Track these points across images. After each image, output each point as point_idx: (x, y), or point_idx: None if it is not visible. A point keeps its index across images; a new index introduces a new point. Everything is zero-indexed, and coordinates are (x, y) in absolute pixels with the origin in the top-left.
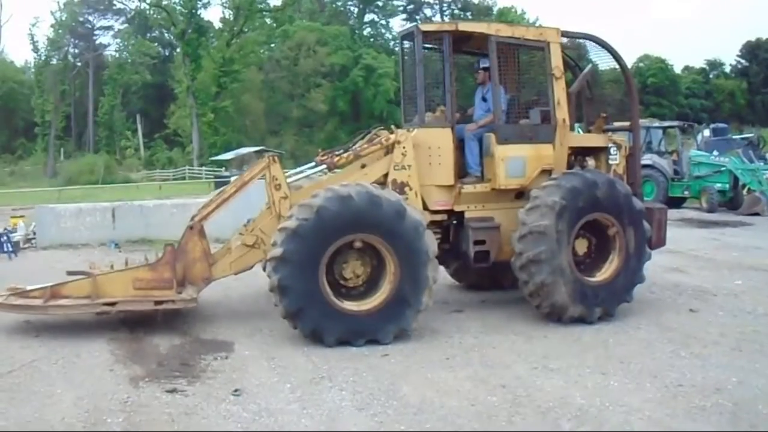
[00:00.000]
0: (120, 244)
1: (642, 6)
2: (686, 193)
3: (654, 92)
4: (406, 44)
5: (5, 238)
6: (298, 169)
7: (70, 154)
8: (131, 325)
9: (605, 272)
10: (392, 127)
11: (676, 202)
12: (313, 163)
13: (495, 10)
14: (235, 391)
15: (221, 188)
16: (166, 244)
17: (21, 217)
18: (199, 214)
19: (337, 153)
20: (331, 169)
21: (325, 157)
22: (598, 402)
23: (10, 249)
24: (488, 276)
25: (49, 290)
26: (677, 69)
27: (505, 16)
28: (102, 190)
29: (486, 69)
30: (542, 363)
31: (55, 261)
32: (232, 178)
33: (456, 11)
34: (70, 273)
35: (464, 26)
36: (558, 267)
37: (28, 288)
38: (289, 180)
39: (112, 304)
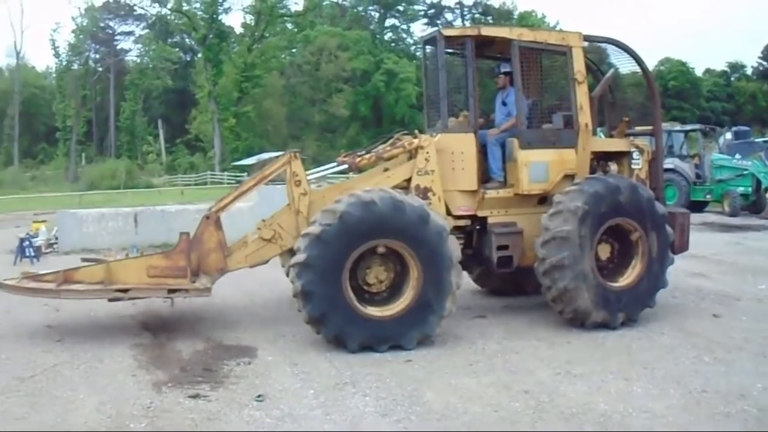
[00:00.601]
0: (142, 249)
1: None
2: (708, 197)
3: (675, 95)
4: (429, 49)
5: (27, 242)
6: (319, 169)
7: (91, 159)
8: (154, 330)
9: (628, 277)
10: (416, 132)
11: (699, 206)
12: (335, 164)
13: (516, 14)
14: (258, 396)
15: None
16: (182, 232)
17: (43, 221)
18: (216, 205)
19: (359, 154)
20: (352, 170)
21: (347, 158)
22: (622, 408)
23: (32, 254)
24: (511, 281)
25: (63, 274)
26: (698, 72)
27: (526, 20)
28: (123, 195)
29: (506, 73)
30: (565, 368)
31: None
32: None
33: (477, 15)
34: (84, 260)
35: (487, 31)
36: (581, 272)
37: (42, 272)
38: (310, 178)
39: (125, 290)
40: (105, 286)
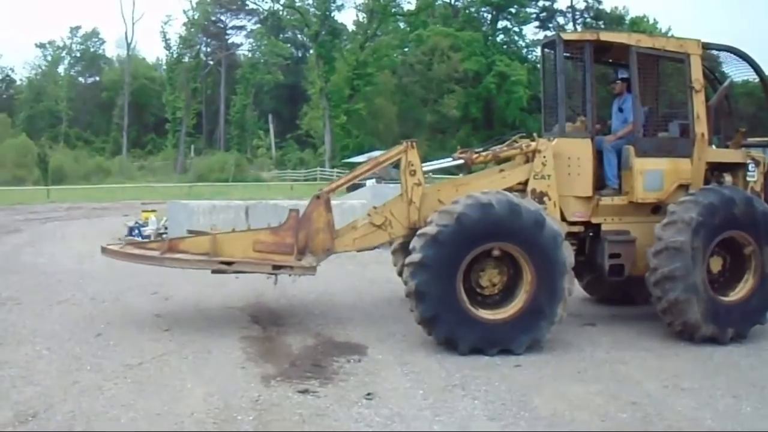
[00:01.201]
0: None
1: None
2: None
3: None
4: (547, 53)
5: (137, 231)
6: (435, 162)
7: (200, 151)
8: (263, 323)
9: (739, 292)
10: (534, 135)
11: None
12: (450, 158)
13: (627, 19)
14: (368, 394)
15: (355, 188)
16: (291, 209)
17: (153, 211)
18: (328, 186)
19: (476, 151)
20: (468, 165)
21: (463, 154)
22: (730, 426)
23: None
24: (620, 290)
25: (168, 243)
26: None
27: (638, 25)
28: (233, 188)
29: (624, 80)
30: (673, 382)
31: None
32: (367, 182)
33: (588, 20)
34: (190, 232)
35: (606, 36)
36: (692, 284)
37: (146, 240)
38: (425, 170)
39: (230, 263)
40: (210, 257)
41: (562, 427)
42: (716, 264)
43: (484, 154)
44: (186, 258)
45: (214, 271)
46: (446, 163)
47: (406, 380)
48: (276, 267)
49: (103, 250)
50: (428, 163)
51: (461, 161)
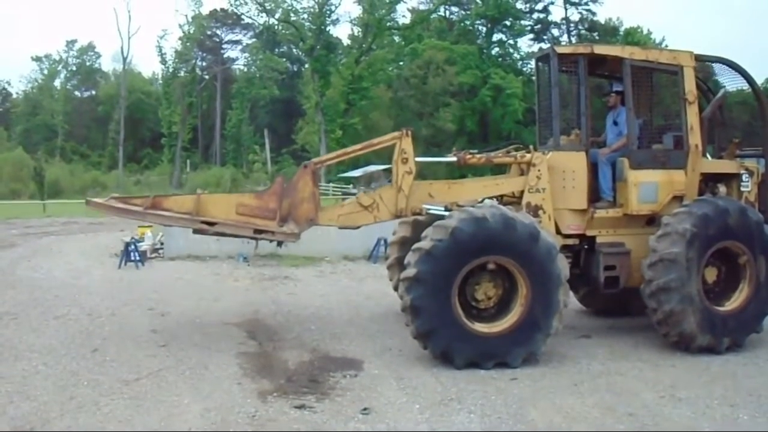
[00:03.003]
0: (249, 258)
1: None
2: None
3: None
4: (541, 66)
5: (132, 247)
6: (429, 157)
7: (196, 166)
8: (260, 338)
9: (735, 301)
10: (530, 147)
11: None
12: (445, 156)
13: (621, 30)
14: (364, 409)
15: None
16: (277, 175)
17: (148, 227)
18: (318, 158)
19: (471, 152)
20: (460, 164)
21: (459, 153)
22: None
23: (137, 258)
24: (616, 302)
25: (152, 200)
26: None
27: (632, 36)
28: None
29: (618, 92)
30: (670, 392)
31: (183, 272)
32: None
33: (583, 31)
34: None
35: (599, 49)
36: (687, 295)
37: (130, 196)
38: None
39: (212, 224)
40: (192, 216)
41: None
42: (711, 274)
43: (477, 156)
44: (168, 215)
45: (195, 231)
46: (440, 159)
47: (403, 395)
48: (257, 231)
49: (88, 202)
50: (422, 158)
51: (454, 159)
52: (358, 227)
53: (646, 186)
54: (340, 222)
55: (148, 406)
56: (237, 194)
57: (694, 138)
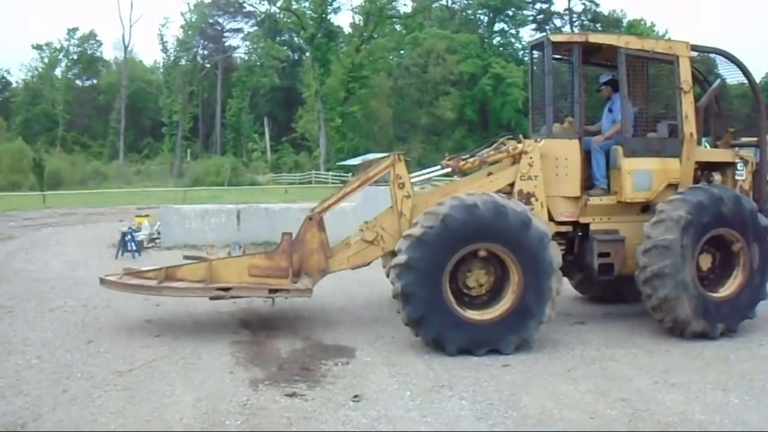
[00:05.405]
0: (244, 246)
1: None
2: None
3: None
4: (536, 54)
5: (129, 236)
6: (423, 172)
7: (197, 155)
8: (253, 327)
9: (728, 288)
10: (520, 136)
11: None
12: (439, 167)
13: (625, 21)
14: (355, 397)
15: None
16: (284, 233)
17: (146, 216)
18: (320, 206)
19: (463, 158)
20: (456, 172)
21: (450, 161)
22: (719, 419)
23: (134, 248)
24: (611, 288)
25: (165, 271)
26: None
27: (635, 27)
28: (228, 192)
29: (609, 83)
30: (663, 377)
31: (180, 261)
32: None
33: (586, 22)
34: (186, 257)
35: (594, 38)
36: (681, 282)
37: (143, 269)
38: (414, 181)
39: (227, 289)
40: (206, 285)
41: (551, 425)
42: (705, 261)
43: (471, 160)
44: (183, 286)
45: (212, 298)
46: (434, 172)
47: (394, 382)
48: (272, 291)
49: (102, 281)
50: (417, 174)
51: (449, 169)
52: (370, 263)
53: (641, 174)
54: (351, 263)
55: (140, 396)
56: (248, 256)
57: (689, 127)
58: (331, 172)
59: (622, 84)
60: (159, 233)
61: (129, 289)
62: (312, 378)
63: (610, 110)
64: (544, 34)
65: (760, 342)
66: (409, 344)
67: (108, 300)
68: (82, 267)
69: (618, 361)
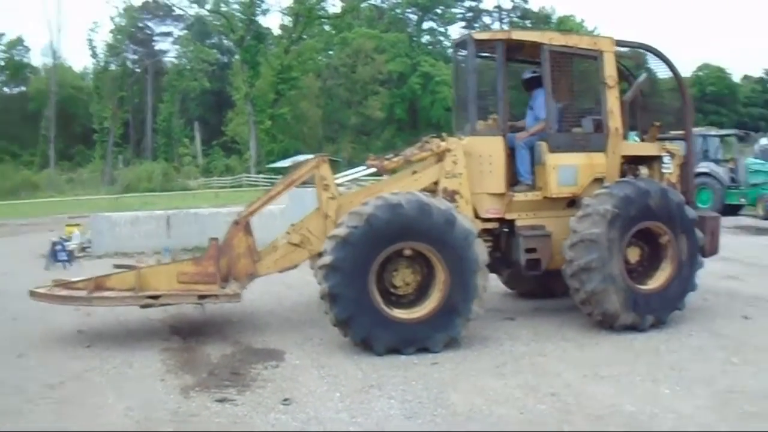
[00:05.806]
0: (174, 252)
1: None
2: (742, 200)
3: (713, 101)
4: (461, 52)
5: (60, 246)
6: (348, 172)
7: (128, 162)
8: (183, 334)
9: (657, 280)
10: (443, 135)
11: (733, 210)
12: (364, 167)
13: (554, 18)
14: (285, 400)
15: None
16: (211, 238)
17: (76, 225)
18: (246, 210)
19: (387, 157)
20: (380, 172)
21: (375, 161)
22: (649, 409)
23: (65, 258)
24: (541, 284)
25: (94, 282)
26: (736, 78)
27: (564, 24)
28: (159, 198)
29: (530, 80)
30: (593, 371)
31: (110, 270)
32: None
33: (515, 19)
34: (116, 266)
35: (518, 35)
36: (609, 275)
37: (73, 280)
38: (338, 182)
39: (156, 297)
40: (136, 293)
41: (480, 422)
42: (634, 254)
43: (395, 159)
44: (113, 296)
45: (142, 306)
46: (360, 172)
47: (324, 383)
48: (201, 297)
49: (32, 293)
50: (342, 174)
51: (374, 169)
52: (297, 266)
53: (566, 169)
54: (278, 267)
55: (72, 409)
56: (176, 263)
57: (614, 121)
58: (262, 175)
59: (546, 80)
60: (90, 242)
61: (59, 300)
62: (242, 382)
63: (531, 107)
64: (468, 32)
65: (689, 333)
66: (338, 345)
67: (39, 312)
68: (11, 279)
69: (547, 355)
